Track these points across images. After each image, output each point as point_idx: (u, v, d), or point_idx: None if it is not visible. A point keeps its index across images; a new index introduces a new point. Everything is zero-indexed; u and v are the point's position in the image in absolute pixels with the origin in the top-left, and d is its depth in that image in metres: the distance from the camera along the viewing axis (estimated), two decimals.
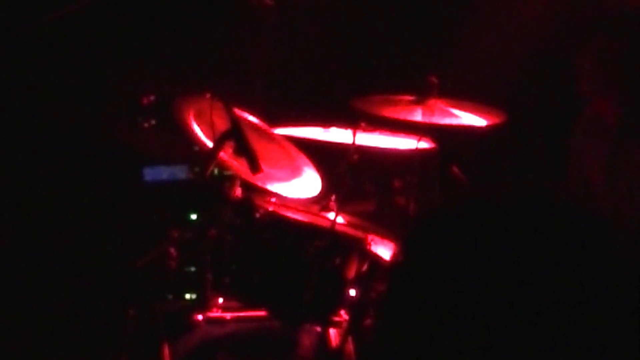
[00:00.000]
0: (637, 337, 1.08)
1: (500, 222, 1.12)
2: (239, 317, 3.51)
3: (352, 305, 3.38)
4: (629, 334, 1.08)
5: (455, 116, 3.62)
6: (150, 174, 4.75)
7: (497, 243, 1.10)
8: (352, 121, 3.62)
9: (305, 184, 3.75)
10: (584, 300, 1.07)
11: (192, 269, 4.04)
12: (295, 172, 3.77)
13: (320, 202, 3.72)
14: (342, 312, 3.41)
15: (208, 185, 3.63)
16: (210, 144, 3.48)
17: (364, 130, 3.64)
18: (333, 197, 3.68)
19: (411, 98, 3.61)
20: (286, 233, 3.44)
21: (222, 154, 3.36)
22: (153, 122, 4.63)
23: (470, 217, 1.14)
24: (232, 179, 3.57)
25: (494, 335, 1.07)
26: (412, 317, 1.11)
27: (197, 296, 3.89)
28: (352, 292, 3.39)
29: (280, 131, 3.78)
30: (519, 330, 1.06)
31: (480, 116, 3.63)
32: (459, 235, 1.12)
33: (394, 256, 1.20)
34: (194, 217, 4.32)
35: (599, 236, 1.12)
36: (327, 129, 3.82)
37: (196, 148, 4.16)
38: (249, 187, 3.55)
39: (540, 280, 1.07)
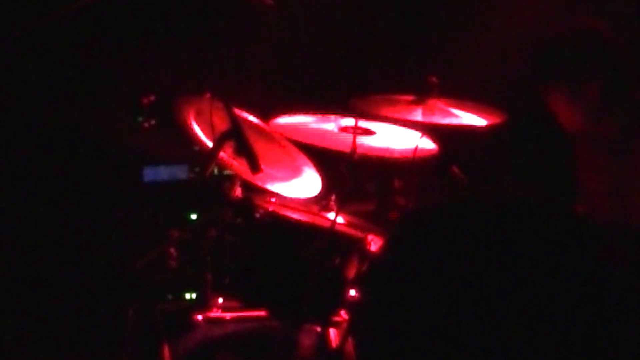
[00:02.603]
0: (607, 334, 1.08)
1: (482, 223, 1.12)
2: (239, 317, 3.51)
3: (352, 305, 3.38)
4: (596, 332, 1.08)
5: (455, 116, 3.62)
6: (150, 174, 4.75)
7: (478, 244, 1.10)
8: (353, 113, 3.62)
9: (305, 184, 3.75)
10: (570, 302, 1.08)
11: (192, 269, 4.04)
12: (295, 172, 3.77)
13: (320, 202, 3.72)
14: (342, 312, 3.41)
15: (208, 185, 3.63)
16: (210, 144, 3.48)
17: (364, 119, 3.63)
18: (333, 197, 3.68)
19: (411, 98, 3.61)
20: (286, 233, 3.44)
21: (222, 154, 3.36)
22: (153, 122, 4.63)
23: (454, 219, 1.14)
24: (232, 179, 3.57)
25: (477, 333, 1.07)
26: (394, 316, 1.11)
27: (197, 296, 3.89)
28: (352, 292, 3.39)
29: (280, 120, 3.75)
30: (504, 329, 1.06)
31: (480, 116, 3.63)
32: (442, 236, 1.12)
33: (378, 255, 1.21)
34: (194, 217, 4.32)
35: (579, 238, 1.12)
36: (326, 118, 3.80)
37: (196, 148, 4.16)
38: (249, 187, 3.55)
39: (522, 279, 1.08)
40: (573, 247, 1.13)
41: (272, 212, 3.48)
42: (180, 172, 4.75)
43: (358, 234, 3.52)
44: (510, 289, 1.08)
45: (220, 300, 3.52)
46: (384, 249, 1.17)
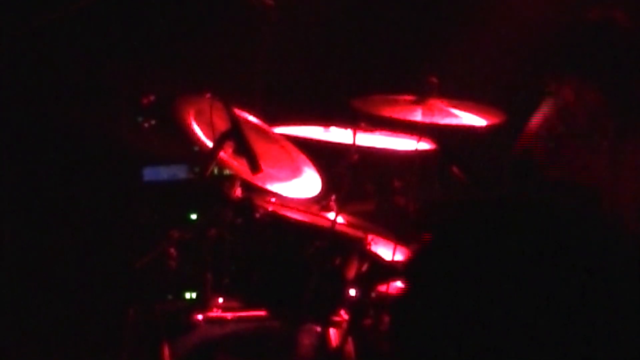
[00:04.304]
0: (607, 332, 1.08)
1: (512, 224, 1.11)
2: (239, 317, 3.51)
3: (352, 305, 3.38)
4: (602, 330, 1.08)
5: (455, 116, 3.62)
6: (150, 174, 4.75)
7: (507, 244, 1.09)
8: (352, 121, 3.63)
9: (305, 184, 3.75)
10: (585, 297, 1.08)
11: (192, 269, 4.04)
12: (295, 172, 3.76)
13: (320, 202, 3.72)
14: (342, 312, 3.41)
15: (208, 185, 3.63)
16: (210, 144, 3.48)
17: (364, 130, 3.64)
18: (333, 197, 3.68)
19: (411, 98, 3.61)
20: (286, 233, 3.44)
21: (222, 154, 3.36)
22: (153, 122, 4.63)
23: (482, 219, 1.13)
24: (232, 179, 3.57)
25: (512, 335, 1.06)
26: (432, 318, 1.11)
27: (197, 296, 3.88)
28: (352, 292, 3.39)
29: (281, 130, 3.78)
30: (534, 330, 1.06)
31: (480, 116, 3.63)
32: (476, 238, 1.12)
33: (412, 257, 1.20)
34: (194, 217, 4.32)
35: (586, 233, 1.12)
36: (327, 129, 3.83)
37: (196, 148, 4.16)
38: (249, 187, 3.55)
39: (543, 278, 1.07)
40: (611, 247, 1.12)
41: (272, 212, 3.48)
42: (180, 172, 4.75)
43: (358, 234, 3.52)
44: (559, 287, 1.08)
45: (220, 300, 3.52)
46: (434, 239, 1.16)
